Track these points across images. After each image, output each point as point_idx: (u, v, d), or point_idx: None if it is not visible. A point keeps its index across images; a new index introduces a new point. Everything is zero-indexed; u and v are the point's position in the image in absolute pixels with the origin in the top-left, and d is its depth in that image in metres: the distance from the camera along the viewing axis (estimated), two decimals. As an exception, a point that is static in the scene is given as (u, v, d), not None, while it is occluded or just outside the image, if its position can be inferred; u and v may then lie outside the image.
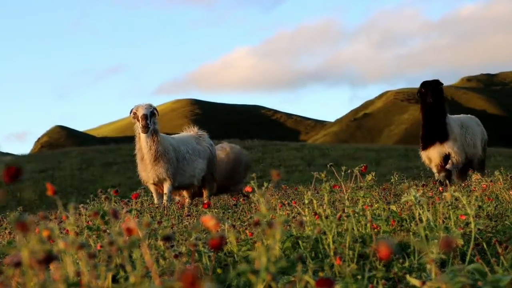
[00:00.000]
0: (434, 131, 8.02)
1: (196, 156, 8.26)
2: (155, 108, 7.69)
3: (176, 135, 8.75)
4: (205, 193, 8.85)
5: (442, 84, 8.20)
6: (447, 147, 7.98)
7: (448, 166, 7.98)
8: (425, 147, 8.09)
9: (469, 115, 9.09)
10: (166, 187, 7.75)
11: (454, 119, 8.34)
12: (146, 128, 7.45)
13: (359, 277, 2.35)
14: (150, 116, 7.51)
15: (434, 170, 8.17)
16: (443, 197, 3.15)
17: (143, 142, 7.67)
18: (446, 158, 8.04)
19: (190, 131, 8.83)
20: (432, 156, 8.05)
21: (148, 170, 7.68)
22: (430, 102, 7.94)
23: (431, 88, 8.04)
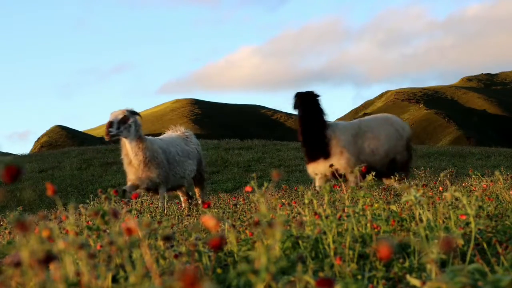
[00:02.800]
0: (314, 147, 7.35)
1: (185, 158, 8.13)
2: (134, 113, 7.47)
3: (164, 135, 8.56)
4: (198, 193, 8.76)
5: (318, 95, 7.45)
6: (332, 162, 7.17)
7: (352, 184, 7.34)
8: (309, 162, 7.45)
9: (385, 114, 8.26)
10: (160, 191, 7.65)
11: (345, 128, 7.52)
12: (107, 135, 7.31)
13: (359, 277, 2.35)
14: (119, 123, 7.28)
15: (318, 182, 7.42)
16: (443, 197, 3.15)
17: (128, 148, 7.52)
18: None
19: (177, 131, 8.62)
20: (318, 171, 7.38)
21: (138, 175, 7.55)
22: (301, 116, 7.33)
23: (304, 101, 7.37)
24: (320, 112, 7.40)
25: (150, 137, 7.96)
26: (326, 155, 7.32)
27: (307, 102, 7.37)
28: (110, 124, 7.30)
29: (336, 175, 7.03)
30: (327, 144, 7.32)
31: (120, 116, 7.35)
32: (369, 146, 7.51)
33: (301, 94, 7.44)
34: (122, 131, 7.36)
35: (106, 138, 7.37)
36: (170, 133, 8.66)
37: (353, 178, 7.21)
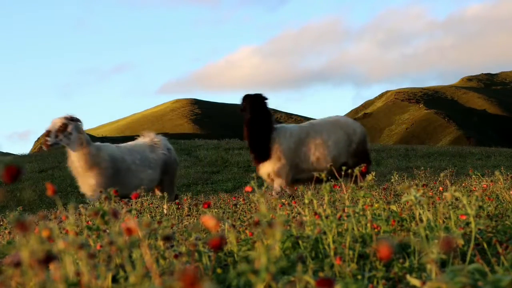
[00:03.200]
0: (257, 150, 7.32)
1: (144, 167, 7.80)
2: (74, 120, 7.28)
3: (129, 143, 8.21)
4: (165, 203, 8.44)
5: (266, 98, 7.34)
6: (269, 167, 7.23)
7: (274, 192, 7.20)
8: (255, 164, 7.45)
9: (336, 117, 7.90)
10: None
11: (291, 133, 7.38)
12: (44, 144, 7.12)
13: (359, 277, 2.35)
14: (58, 131, 7.11)
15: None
16: (443, 197, 3.15)
17: (72, 156, 7.34)
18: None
19: (146, 138, 8.26)
20: (262, 174, 7.36)
21: (80, 182, 7.33)
22: (248, 119, 7.25)
23: (251, 103, 7.26)
24: (267, 115, 7.32)
25: (103, 144, 7.69)
26: (266, 158, 7.28)
27: (255, 104, 7.28)
28: (48, 133, 7.13)
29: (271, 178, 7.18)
30: (270, 148, 7.26)
31: (58, 124, 7.18)
32: (314, 154, 7.38)
33: (249, 96, 7.34)
34: (61, 139, 7.19)
35: (44, 148, 7.21)
36: (140, 139, 8.27)
37: (277, 185, 7.23)
